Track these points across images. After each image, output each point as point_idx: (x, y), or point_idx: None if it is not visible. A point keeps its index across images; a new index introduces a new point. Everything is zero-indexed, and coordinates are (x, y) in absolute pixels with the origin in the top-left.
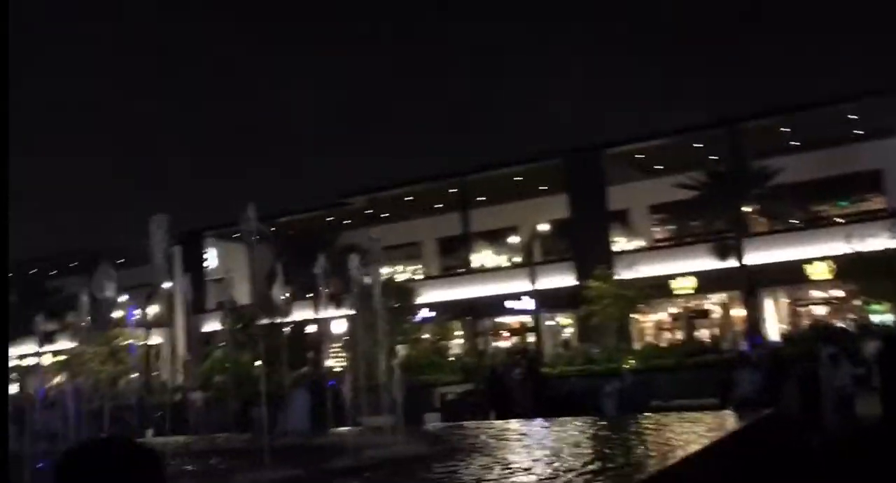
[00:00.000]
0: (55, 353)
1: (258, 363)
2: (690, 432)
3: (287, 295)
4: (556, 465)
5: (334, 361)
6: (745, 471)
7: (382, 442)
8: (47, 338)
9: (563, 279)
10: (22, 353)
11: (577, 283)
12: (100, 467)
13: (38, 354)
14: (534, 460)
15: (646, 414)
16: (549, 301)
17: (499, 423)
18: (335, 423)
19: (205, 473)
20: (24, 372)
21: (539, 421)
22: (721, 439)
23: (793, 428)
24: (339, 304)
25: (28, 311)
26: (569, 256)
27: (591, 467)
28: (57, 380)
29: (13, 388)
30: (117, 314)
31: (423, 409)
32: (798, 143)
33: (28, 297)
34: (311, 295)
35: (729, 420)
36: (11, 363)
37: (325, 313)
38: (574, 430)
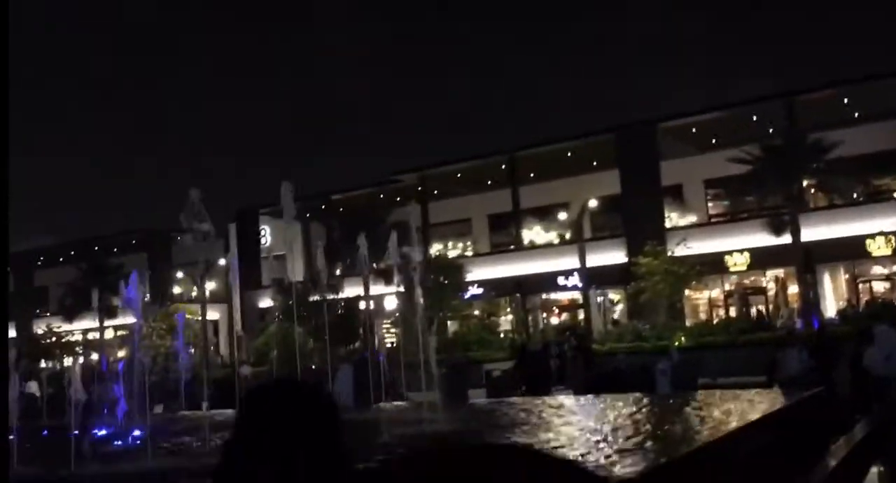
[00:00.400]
0: (116, 328)
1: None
2: (722, 412)
3: (338, 271)
4: (593, 441)
5: (385, 338)
6: (782, 451)
7: (422, 417)
8: (109, 313)
9: (614, 256)
10: (85, 327)
11: (628, 259)
12: (281, 407)
13: (100, 329)
14: (574, 437)
15: (691, 392)
16: (600, 278)
17: (546, 399)
18: (379, 399)
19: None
20: (88, 345)
21: (580, 397)
22: (758, 419)
23: (842, 409)
24: (388, 281)
25: (90, 288)
26: (620, 233)
27: (618, 446)
28: (120, 354)
29: (79, 361)
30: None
31: (470, 385)
32: (858, 116)
33: (90, 275)
34: (362, 271)
35: (771, 399)
36: (76, 338)
37: (375, 289)
38: (612, 406)
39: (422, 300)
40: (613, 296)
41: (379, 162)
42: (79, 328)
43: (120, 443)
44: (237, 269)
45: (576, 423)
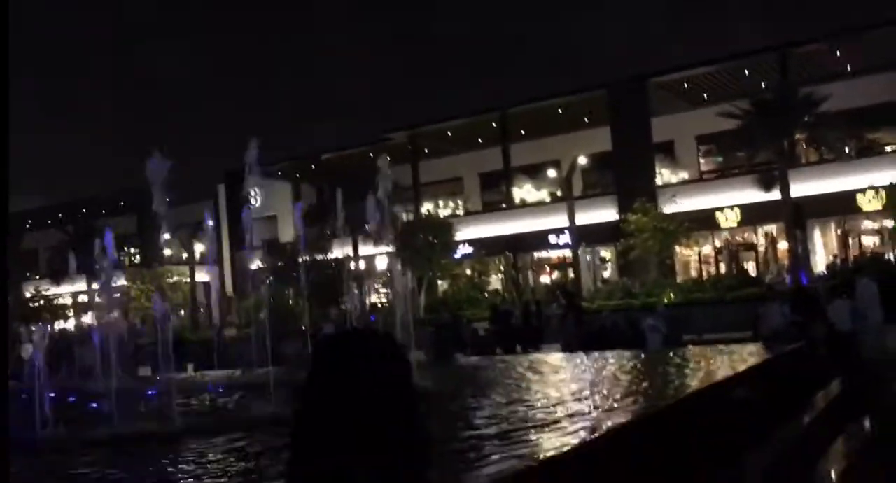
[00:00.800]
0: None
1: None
2: (698, 368)
3: (329, 232)
4: (579, 396)
5: (376, 298)
6: (761, 405)
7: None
8: (96, 275)
9: (605, 213)
10: (74, 290)
11: (619, 217)
12: (355, 354)
13: (88, 292)
14: (562, 393)
15: (672, 348)
16: (591, 236)
17: (534, 356)
18: None
19: (200, 409)
20: (76, 308)
21: (567, 355)
22: (734, 375)
23: (821, 364)
24: (377, 241)
25: (78, 251)
26: (611, 190)
27: (602, 401)
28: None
29: (66, 325)
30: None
31: (459, 343)
32: (851, 69)
33: (78, 237)
34: (352, 231)
35: (751, 354)
36: (66, 301)
37: (364, 250)
38: (595, 363)
39: (399, 262)
40: (604, 253)
41: (420, 98)
42: (67, 291)
43: (94, 406)
44: (211, 230)
45: (564, 380)
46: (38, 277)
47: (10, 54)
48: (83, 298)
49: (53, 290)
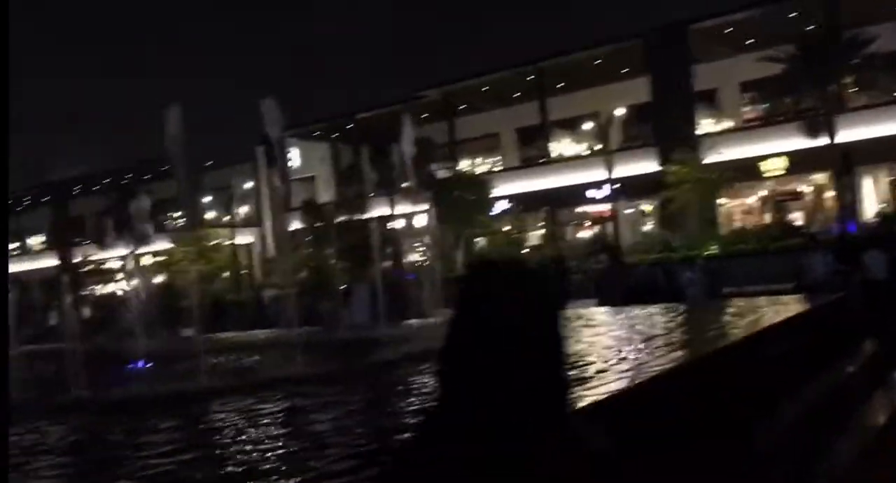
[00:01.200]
0: (153, 254)
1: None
2: (734, 321)
3: (366, 191)
4: (618, 348)
5: (415, 256)
6: (797, 358)
7: (432, 335)
8: (142, 240)
9: (645, 165)
10: (120, 255)
11: (660, 168)
12: (499, 281)
13: (133, 255)
14: (603, 345)
15: (705, 300)
16: (631, 189)
17: (571, 312)
18: (401, 317)
19: (218, 369)
20: (122, 273)
21: (607, 309)
22: (770, 326)
23: (862, 315)
24: (415, 199)
25: (122, 216)
26: (651, 142)
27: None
28: (155, 280)
29: (113, 288)
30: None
31: None
32: None
33: (123, 202)
34: (389, 190)
35: (793, 305)
36: (113, 264)
37: (401, 208)
38: (630, 317)
39: (436, 220)
40: (644, 207)
41: (454, 54)
42: (113, 255)
43: (130, 367)
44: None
45: (605, 334)
46: (86, 243)
47: (10, 53)
48: (129, 263)
49: (100, 255)
